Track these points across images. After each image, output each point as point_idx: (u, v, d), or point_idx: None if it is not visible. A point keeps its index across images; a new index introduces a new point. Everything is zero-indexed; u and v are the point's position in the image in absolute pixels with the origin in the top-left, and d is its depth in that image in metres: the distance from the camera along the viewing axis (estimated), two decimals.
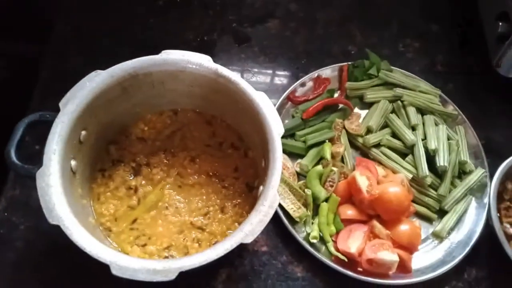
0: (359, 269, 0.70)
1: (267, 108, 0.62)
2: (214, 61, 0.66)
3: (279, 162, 0.58)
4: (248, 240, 0.52)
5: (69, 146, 0.59)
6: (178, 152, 0.71)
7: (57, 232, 0.54)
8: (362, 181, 0.73)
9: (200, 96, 0.70)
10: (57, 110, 0.61)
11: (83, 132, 0.62)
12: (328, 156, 0.77)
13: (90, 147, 0.65)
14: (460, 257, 0.71)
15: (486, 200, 0.76)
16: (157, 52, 0.66)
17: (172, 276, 0.50)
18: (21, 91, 0.87)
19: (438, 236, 0.75)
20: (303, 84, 0.86)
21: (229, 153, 0.72)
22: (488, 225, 0.74)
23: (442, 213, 0.77)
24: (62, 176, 0.56)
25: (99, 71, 0.62)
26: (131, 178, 0.68)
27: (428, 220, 0.77)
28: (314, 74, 0.87)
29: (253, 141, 0.70)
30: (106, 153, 0.70)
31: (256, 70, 0.91)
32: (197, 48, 0.92)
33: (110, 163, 0.69)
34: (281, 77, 0.91)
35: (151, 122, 0.73)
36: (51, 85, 0.84)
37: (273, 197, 0.55)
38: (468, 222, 0.75)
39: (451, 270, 0.71)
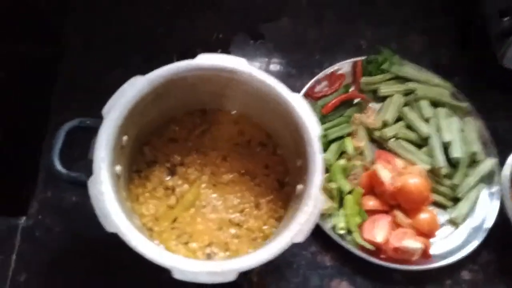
0: (382, 256, 0.75)
1: (303, 110, 0.64)
2: None
3: (319, 163, 0.60)
4: (299, 239, 0.55)
5: (114, 152, 0.60)
6: (209, 151, 0.73)
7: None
8: (385, 174, 0.77)
9: (230, 96, 0.72)
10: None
11: (125, 138, 0.64)
12: (350, 150, 0.80)
13: (128, 151, 0.67)
14: (476, 241, 0.77)
15: (497, 187, 0.81)
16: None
17: (231, 277, 0.52)
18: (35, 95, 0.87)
19: (454, 223, 0.80)
20: (318, 81, 0.88)
21: (258, 151, 0.74)
22: (501, 210, 0.79)
23: (455, 201, 0.82)
24: (111, 182, 0.58)
25: (138, 77, 0.63)
26: (167, 178, 0.70)
27: (443, 208, 0.82)
28: (329, 70, 0.90)
29: (282, 139, 0.72)
30: (141, 155, 0.71)
31: (272, 67, 0.93)
32: (215, 46, 0.94)
33: (145, 165, 0.71)
34: (296, 74, 0.93)
35: (181, 123, 0.74)
36: (68, 91, 0.86)
37: (316, 197, 0.58)
38: (481, 208, 0.80)
39: (468, 254, 0.76)
